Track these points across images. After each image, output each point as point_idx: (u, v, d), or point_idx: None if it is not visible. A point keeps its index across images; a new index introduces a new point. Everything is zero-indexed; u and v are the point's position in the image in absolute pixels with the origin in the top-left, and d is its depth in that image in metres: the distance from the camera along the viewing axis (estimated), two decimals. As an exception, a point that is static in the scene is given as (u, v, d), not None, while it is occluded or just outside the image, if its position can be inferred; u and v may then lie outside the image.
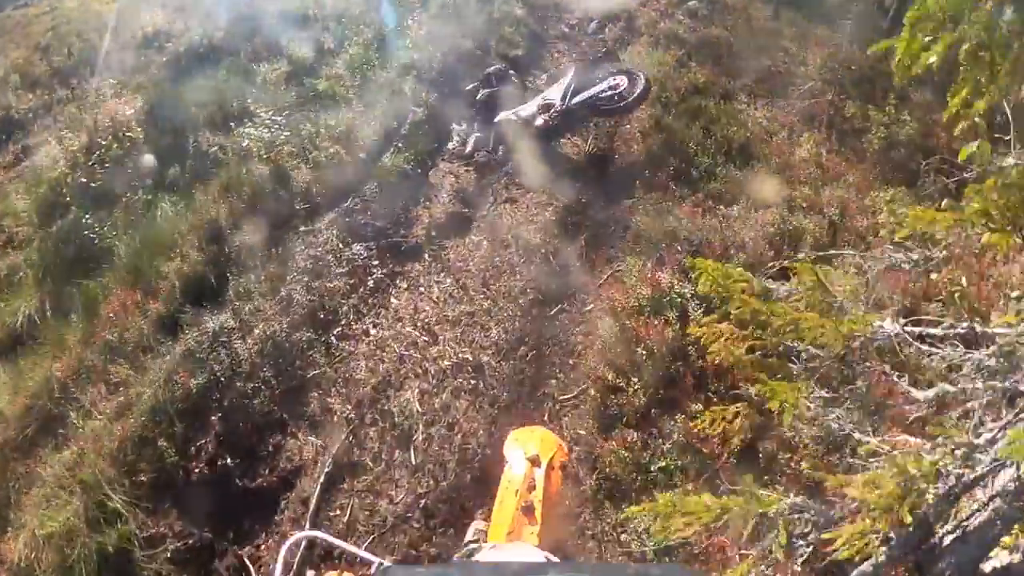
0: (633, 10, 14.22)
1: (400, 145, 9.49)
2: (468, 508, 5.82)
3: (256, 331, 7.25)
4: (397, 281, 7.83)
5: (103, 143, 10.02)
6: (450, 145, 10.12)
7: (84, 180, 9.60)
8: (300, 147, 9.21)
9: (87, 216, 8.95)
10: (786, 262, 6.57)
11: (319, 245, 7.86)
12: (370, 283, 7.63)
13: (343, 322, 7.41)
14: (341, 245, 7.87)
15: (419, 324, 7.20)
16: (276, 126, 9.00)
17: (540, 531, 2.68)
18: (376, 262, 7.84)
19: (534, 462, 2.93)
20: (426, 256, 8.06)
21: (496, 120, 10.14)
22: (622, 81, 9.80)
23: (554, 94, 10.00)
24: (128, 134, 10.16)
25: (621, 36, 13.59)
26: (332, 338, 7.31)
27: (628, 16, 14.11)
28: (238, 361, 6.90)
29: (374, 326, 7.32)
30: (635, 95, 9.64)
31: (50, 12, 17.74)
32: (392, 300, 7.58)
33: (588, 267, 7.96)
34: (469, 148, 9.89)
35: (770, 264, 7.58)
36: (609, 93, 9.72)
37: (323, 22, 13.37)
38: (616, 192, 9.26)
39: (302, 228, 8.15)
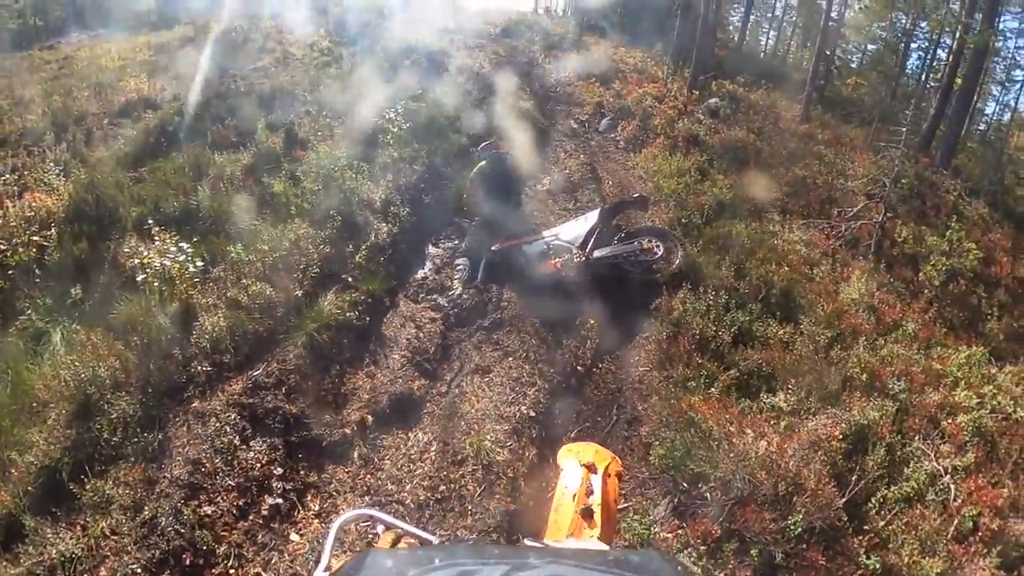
0: (648, 107, 11.48)
1: (351, 279, 6.67)
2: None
3: (105, 567, 4.55)
4: (307, 500, 4.95)
5: (5, 248, 7.25)
6: (420, 273, 7.35)
7: (-27, 294, 6.91)
8: (222, 280, 6.38)
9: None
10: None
11: (208, 438, 5.01)
12: (265, 508, 4.77)
13: (218, 568, 4.59)
14: (238, 440, 5.05)
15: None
16: (184, 254, 6.11)
17: (601, 535, 2.27)
18: (280, 470, 5.00)
19: (590, 468, 2.54)
20: (355, 458, 5.23)
21: (493, 249, 7.58)
22: (657, 247, 7.51)
23: (570, 234, 7.49)
24: (36, 239, 7.40)
25: (635, 136, 10.73)
26: (200, 594, 4.41)
27: (643, 114, 11.31)
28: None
29: (258, 583, 4.42)
30: (672, 267, 7.43)
31: (63, 61, 16.12)
32: (292, 537, 4.66)
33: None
34: (456, 284, 7.30)
35: (836, 510, 4.89)
36: (642, 259, 7.46)
37: (307, 105, 10.70)
38: (624, 358, 6.43)
39: (195, 404, 5.37)
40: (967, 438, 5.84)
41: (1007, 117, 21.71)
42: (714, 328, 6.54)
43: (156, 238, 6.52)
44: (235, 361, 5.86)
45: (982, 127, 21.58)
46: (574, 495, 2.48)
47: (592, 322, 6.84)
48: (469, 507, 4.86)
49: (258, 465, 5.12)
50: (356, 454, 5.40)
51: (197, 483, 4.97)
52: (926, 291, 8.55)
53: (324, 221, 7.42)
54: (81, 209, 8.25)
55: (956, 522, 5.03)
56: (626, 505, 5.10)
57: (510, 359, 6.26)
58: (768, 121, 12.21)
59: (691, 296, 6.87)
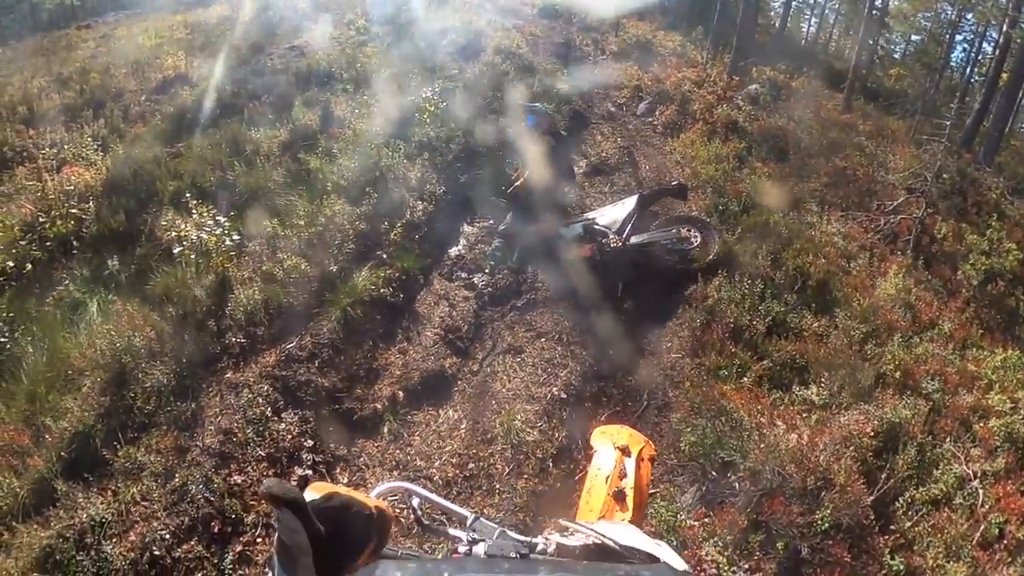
0: (686, 91, 11.33)
1: (385, 256, 6.70)
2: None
3: (134, 532, 4.66)
4: (336, 472, 5.03)
5: (44, 220, 7.38)
6: (453, 251, 7.36)
7: (12, 264, 7.03)
8: (257, 254, 6.46)
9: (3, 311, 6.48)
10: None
11: (241, 409, 5.08)
12: (295, 479, 4.81)
13: (246, 537, 4.64)
14: (270, 412, 5.12)
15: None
16: (220, 228, 6.19)
17: (632, 519, 2.30)
18: (310, 442, 5.06)
19: (624, 451, 2.55)
20: (385, 433, 5.25)
21: (531, 230, 7.50)
22: (694, 236, 7.39)
23: (607, 219, 7.37)
24: (74, 211, 7.54)
25: (673, 121, 10.59)
26: (227, 562, 4.65)
27: (682, 98, 11.16)
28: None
29: (285, 552, 4.43)
30: (707, 259, 7.25)
31: (100, 39, 16.51)
32: (321, 508, 4.67)
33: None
34: (489, 263, 7.30)
35: (863, 507, 4.84)
36: (678, 247, 7.37)
37: (344, 84, 10.70)
38: (657, 345, 6.42)
39: (228, 375, 5.45)
40: (998, 443, 5.72)
41: (1054, 115, 21.04)
42: (748, 317, 6.45)
43: (193, 211, 6.61)
44: (269, 334, 5.93)
45: (1028, 124, 20.96)
46: (607, 477, 2.49)
47: (626, 306, 6.81)
48: (497, 486, 4.89)
49: (289, 437, 5.19)
50: (386, 429, 5.44)
51: (228, 452, 5.05)
52: (964, 290, 8.33)
53: (360, 198, 7.45)
54: (119, 183, 8.36)
55: (982, 528, 4.95)
56: (654, 491, 5.09)
57: (542, 340, 6.26)
58: (808, 110, 11.98)
59: (726, 284, 6.79)
